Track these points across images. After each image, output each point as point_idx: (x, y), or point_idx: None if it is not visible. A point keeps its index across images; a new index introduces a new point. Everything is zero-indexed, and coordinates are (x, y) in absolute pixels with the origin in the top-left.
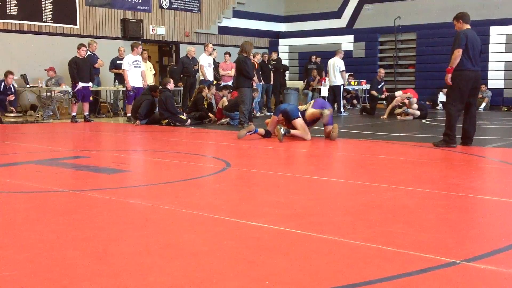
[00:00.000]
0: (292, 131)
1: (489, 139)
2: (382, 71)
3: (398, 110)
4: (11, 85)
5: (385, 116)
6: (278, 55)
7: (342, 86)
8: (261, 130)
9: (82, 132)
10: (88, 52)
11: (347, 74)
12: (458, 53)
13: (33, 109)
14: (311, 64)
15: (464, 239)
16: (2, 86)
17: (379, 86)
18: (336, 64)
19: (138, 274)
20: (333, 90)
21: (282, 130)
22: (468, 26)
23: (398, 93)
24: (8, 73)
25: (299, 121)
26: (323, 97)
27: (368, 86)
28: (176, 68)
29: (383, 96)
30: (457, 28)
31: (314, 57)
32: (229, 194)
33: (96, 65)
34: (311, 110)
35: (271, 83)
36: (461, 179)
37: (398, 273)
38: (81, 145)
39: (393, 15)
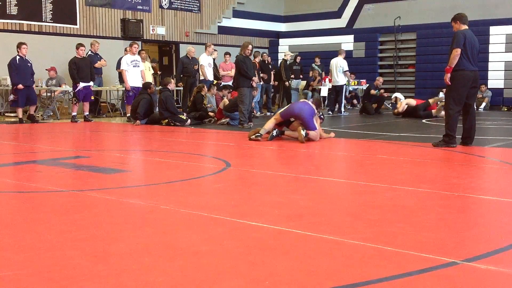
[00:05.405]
0: (287, 132)
1: (489, 139)
2: (381, 80)
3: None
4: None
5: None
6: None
7: (345, 86)
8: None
9: (82, 132)
10: (90, 52)
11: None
12: (456, 53)
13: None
14: (296, 65)
15: (464, 239)
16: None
17: (375, 92)
18: (339, 64)
19: (138, 274)
20: (336, 90)
21: (273, 132)
22: (466, 27)
23: (399, 95)
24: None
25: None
26: (323, 97)
27: (366, 86)
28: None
29: (385, 95)
30: (455, 29)
31: (299, 57)
32: (229, 194)
33: (97, 65)
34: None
35: (271, 83)
36: (461, 179)
37: (398, 273)
38: (81, 145)
39: (393, 15)
